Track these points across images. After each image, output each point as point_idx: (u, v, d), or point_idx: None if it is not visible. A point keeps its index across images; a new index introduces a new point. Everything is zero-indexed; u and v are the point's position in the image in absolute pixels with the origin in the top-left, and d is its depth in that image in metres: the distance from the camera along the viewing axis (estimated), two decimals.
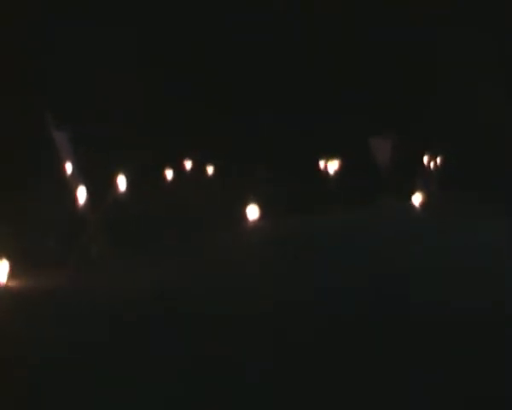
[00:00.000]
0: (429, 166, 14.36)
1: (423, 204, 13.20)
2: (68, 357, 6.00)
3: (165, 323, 6.81)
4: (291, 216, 11.89)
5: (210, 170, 13.22)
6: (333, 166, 13.83)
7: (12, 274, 8.35)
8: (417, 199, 13.31)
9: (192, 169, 13.13)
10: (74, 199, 10.14)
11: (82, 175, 10.27)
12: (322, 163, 13.81)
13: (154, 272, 8.70)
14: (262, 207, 11.69)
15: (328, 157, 13.75)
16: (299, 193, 12.56)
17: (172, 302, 7.40)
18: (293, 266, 8.91)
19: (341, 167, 13.76)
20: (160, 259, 9.37)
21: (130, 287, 8.05)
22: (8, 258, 8.33)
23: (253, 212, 11.68)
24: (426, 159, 14.39)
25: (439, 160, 14.39)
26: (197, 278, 8.46)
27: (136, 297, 7.58)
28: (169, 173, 12.87)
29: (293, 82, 13.69)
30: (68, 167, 10.49)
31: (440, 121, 14.04)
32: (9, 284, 8.27)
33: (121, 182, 11.32)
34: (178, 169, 12.98)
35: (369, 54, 14.01)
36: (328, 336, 6.51)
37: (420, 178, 13.70)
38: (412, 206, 13.19)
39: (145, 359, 5.99)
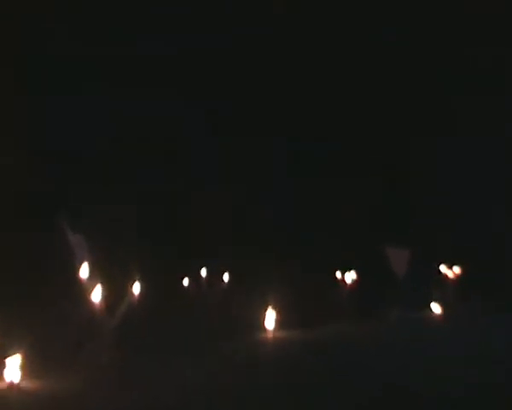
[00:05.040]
0: (447, 276, 14.01)
1: (441, 315, 12.77)
2: None
3: None
4: (307, 329, 11.42)
5: (226, 278, 12.97)
6: (349, 276, 13.54)
7: (25, 375, 8.09)
8: (435, 309, 12.89)
9: (208, 277, 12.94)
10: (89, 302, 10.02)
11: (98, 278, 10.27)
12: (338, 274, 13.53)
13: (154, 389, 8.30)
14: (279, 317, 11.27)
15: (345, 268, 13.56)
16: (315, 304, 12.07)
17: None
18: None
19: (358, 278, 13.49)
20: (161, 374, 8.87)
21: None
22: (22, 359, 8.11)
23: (269, 322, 11.22)
24: (443, 269, 14.00)
25: (456, 269, 13.96)
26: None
27: None
28: (185, 281, 12.61)
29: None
30: (84, 270, 10.50)
31: (458, 230, 13.83)
32: (22, 385, 8.02)
33: (137, 288, 11.20)
34: (195, 277, 12.78)
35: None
36: None
37: (437, 288, 13.33)
38: (430, 317, 12.72)
39: None
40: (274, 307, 11.35)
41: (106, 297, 10.21)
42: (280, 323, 11.30)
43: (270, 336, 11.15)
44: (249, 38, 13.52)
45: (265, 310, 11.33)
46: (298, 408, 7.69)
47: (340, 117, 13.85)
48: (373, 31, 13.95)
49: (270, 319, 11.30)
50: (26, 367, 8.14)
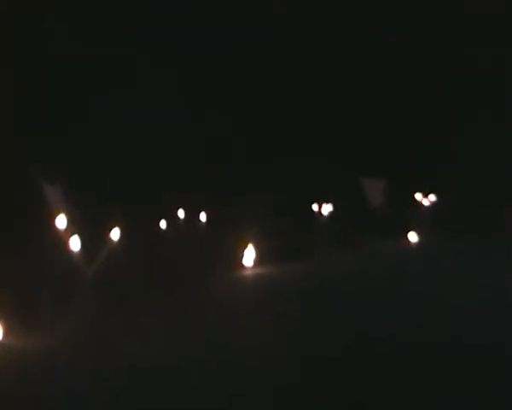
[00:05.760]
0: (423, 205, 14.09)
1: (417, 244, 12.74)
2: None
3: None
4: (286, 263, 11.29)
5: (204, 217, 12.84)
6: (326, 208, 13.47)
7: (7, 332, 8.01)
8: (411, 239, 12.84)
9: (186, 217, 12.76)
10: (68, 254, 9.90)
11: (76, 229, 10.21)
12: (315, 206, 13.44)
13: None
14: (257, 253, 11.20)
15: (322, 200, 13.49)
16: (292, 237, 12.05)
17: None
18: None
19: (334, 210, 13.43)
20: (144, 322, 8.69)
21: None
22: (4, 316, 8.06)
23: (248, 258, 11.15)
24: (419, 197, 13.98)
25: (432, 198, 13.96)
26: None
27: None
28: (163, 224, 12.38)
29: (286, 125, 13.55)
30: (61, 221, 10.43)
31: (436, 156, 13.79)
32: (5, 341, 7.94)
33: (116, 235, 10.91)
34: (172, 218, 12.58)
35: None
36: None
37: (413, 217, 13.24)
38: (405, 246, 12.66)
39: None
40: (253, 243, 11.20)
41: (84, 246, 10.07)
42: (259, 258, 11.19)
43: (250, 272, 11.02)
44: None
45: (244, 247, 11.20)
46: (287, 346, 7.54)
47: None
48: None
49: (250, 255, 11.21)
50: (6, 324, 8.09)
